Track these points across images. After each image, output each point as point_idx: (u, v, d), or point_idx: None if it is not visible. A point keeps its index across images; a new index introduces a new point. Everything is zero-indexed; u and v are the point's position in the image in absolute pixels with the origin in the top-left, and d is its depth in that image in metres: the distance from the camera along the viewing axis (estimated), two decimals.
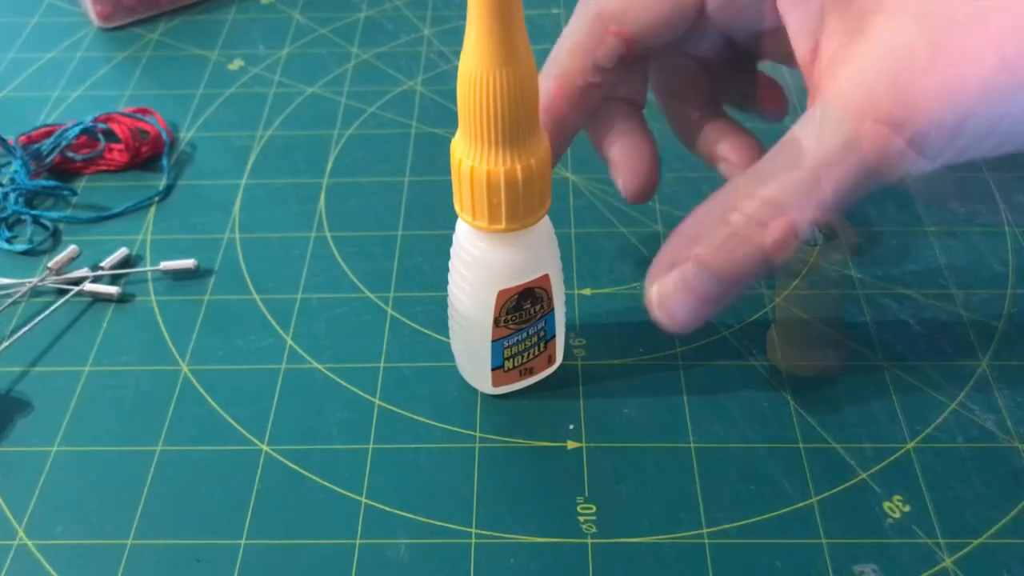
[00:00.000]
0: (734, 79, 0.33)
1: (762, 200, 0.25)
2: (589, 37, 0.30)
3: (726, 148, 0.32)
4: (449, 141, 0.27)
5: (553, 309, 0.30)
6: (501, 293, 0.28)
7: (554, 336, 0.31)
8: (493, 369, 0.30)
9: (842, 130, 0.25)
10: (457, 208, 0.27)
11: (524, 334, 0.30)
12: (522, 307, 0.29)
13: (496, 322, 0.29)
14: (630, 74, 0.31)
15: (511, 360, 0.30)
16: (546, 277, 0.29)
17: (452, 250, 0.29)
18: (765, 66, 0.33)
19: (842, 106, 0.25)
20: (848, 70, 0.25)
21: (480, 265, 0.28)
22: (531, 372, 0.31)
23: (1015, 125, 0.25)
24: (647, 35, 0.30)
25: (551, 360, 0.32)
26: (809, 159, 0.25)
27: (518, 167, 0.25)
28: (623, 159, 0.32)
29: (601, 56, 0.30)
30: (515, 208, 0.26)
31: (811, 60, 0.27)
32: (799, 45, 0.28)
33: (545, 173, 0.26)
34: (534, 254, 0.28)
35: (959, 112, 0.24)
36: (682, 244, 0.26)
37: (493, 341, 0.29)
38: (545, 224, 0.28)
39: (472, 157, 0.25)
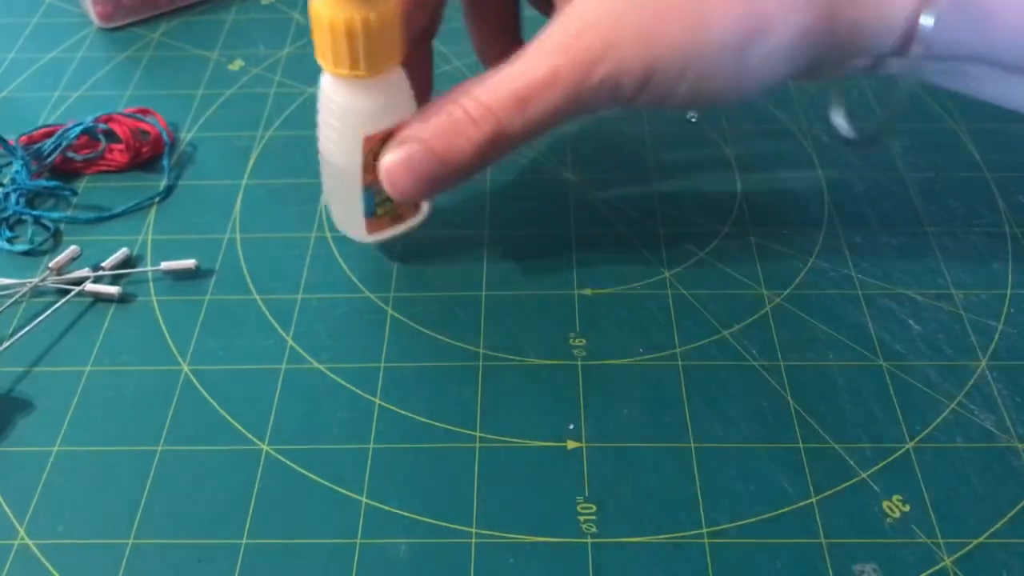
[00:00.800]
0: None
1: (478, 102, 0.29)
2: None
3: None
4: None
5: None
6: (367, 139, 0.31)
7: None
8: (367, 217, 0.33)
9: (550, 59, 0.29)
10: (319, 59, 0.30)
11: None
12: None
13: (365, 167, 0.32)
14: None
15: (382, 206, 0.33)
16: None
17: (319, 104, 0.32)
18: None
19: (555, 38, 0.29)
20: (567, 5, 0.29)
21: (345, 112, 0.31)
22: (401, 219, 0.35)
23: (699, 80, 0.29)
24: None
25: (418, 207, 0.35)
26: (522, 79, 0.29)
27: (372, 14, 0.28)
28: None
29: None
30: (373, 54, 0.29)
31: None
32: None
33: (396, 21, 0.29)
34: (393, 100, 0.31)
35: (648, 59, 0.28)
36: (418, 125, 0.30)
37: (364, 188, 0.32)
38: (401, 74, 0.31)
39: (331, 6, 0.28)
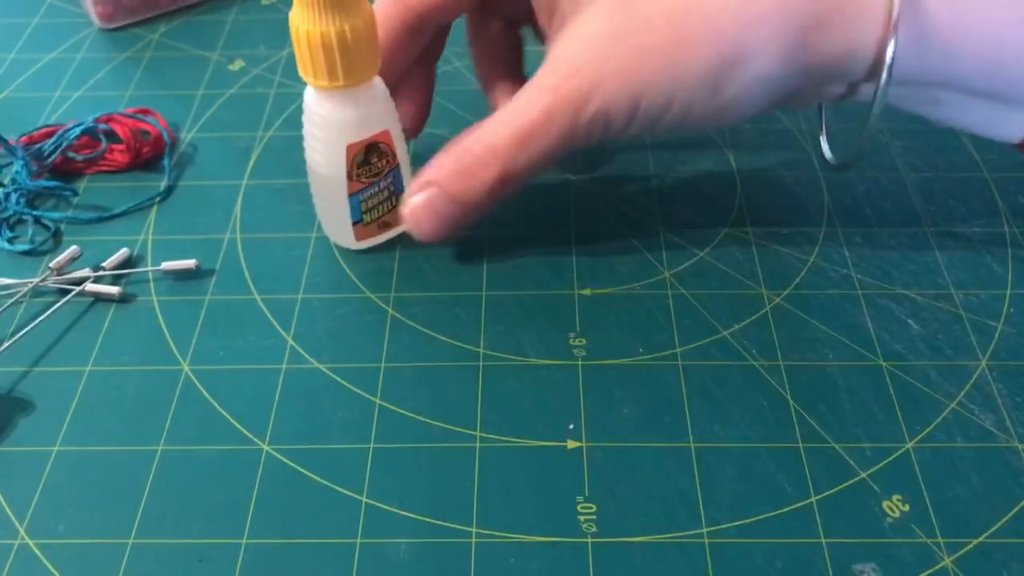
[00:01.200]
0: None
1: (484, 145, 0.31)
2: (389, 7, 0.34)
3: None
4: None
5: (398, 164, 0.34)
6: (350, 147, 0.32)
7: (403, 191, 0.35)
8: (354, 224, 0.35)
9: (544, 100, 0.30)
10: (301, 73, 0.31)
11: (376, 188, 0.34)
12: (370, 161, 0.33)
13: (349, 175, 0.33)
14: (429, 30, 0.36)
15: (368, 214, 0.35)
16: (387, 133, 0.33)
17: (303, 116, 0.33)
18: None
19: (546, 80, 0.30)
20: (555, 47, 0.31)
21: (329, 123, 0.32)
22: (388, 226, 0.36)
23: (684, 110, 0.30)
24: (433, 15, 0.34)
25: None
26: (523, 118, 0.31)
27: (346, 27, 0.29)
28: (406, 96, 0.37)
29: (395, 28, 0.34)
30: (349, 65, 0.30)
31: (547, 29, 0.33)
32: (540, 15, 0.33)
33: (372, 33, 0.31)
34: (373, 110, 0.32)
35: (632, 94, 0.30)
36: (434, 170, 0.32)
37: (350, 195, 0.34)
38: (380, 86, 0.32)
39: (308, 23, 0.29)
